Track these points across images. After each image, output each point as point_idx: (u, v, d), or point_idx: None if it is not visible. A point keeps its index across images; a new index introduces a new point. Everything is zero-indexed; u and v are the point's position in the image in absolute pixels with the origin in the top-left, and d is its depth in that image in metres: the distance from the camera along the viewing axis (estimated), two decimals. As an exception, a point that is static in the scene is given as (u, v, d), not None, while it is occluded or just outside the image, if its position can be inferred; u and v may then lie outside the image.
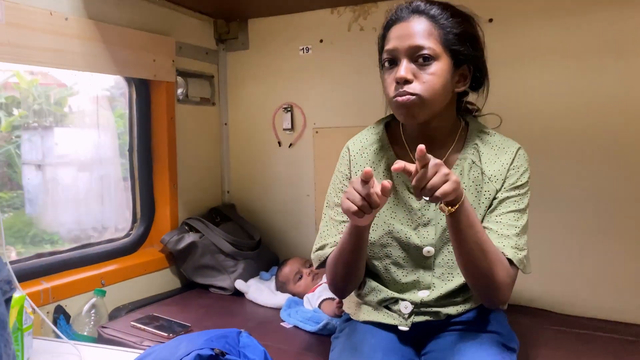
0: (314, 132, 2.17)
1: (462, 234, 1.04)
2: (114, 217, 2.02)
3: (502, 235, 1.12)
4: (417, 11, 1.11)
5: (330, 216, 1.26)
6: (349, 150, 1.26)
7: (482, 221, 1.16)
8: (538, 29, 1.72)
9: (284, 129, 2.22)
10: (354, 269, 1.18)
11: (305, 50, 2.14)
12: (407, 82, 1.07)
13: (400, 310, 1.20)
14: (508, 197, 1.15)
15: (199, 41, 2.21)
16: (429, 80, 1.07)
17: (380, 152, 1.23)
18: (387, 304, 1.23)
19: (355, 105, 2.02)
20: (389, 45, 1.12)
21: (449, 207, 1.00)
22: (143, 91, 1.97)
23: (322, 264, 1.24)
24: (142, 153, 1.99)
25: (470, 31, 1.14)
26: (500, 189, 1.16)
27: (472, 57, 1.14)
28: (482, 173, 1.17)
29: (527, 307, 1.76)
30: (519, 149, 1.19)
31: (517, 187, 1.16)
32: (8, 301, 0.78)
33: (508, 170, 1.16)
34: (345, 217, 1.23)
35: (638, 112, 1.60)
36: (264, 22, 2.22)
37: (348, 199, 0.99)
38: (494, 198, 1.16)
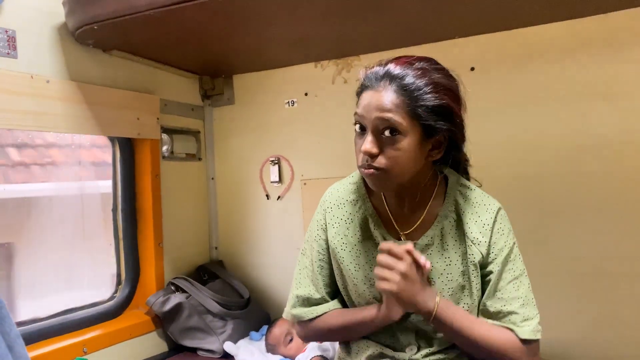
0: (302, 184, 2.14)
1: (454, 338, 1.08)
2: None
3: (508, 312, 1.09)
4: (390, 77, 1.02)
5: (305, 265, 1.25)
6: (326, 200, 1.24)
7: (481, 291, 1.14)
8: (521, 75, 1.73)
9: (272, 182, 2.20)
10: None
11: (290, 104, 2.15)
12: (372, 155, 1.03)
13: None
14: (503, 270, 1.11)
15: (185, 98, 2.21)
16: (395, 156, 1.02)
17: (358, 204, 1.20)
18: None
19: (342, 156, 2.00)
20: (358, 112, 1.06)
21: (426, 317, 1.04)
22: (127, 149, 1.95)
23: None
24: (126, 212, 1.94)
25: (446, 104, 1.03)
26: (487, 255, 1.12)
27: (446, 129, 1.05)
28: (465, 234, 1.13)
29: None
30: (499, 209, 1.15)
31: (507, 255, 1.12)
32: None
33: (492, 234, 1.12)
34: (318, 269, 1.21)
35: (627, 153, 1.59)
36: (249, 77, 2.24)
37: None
38: (483, 266, 1.13)
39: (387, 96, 1.01)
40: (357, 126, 1.07)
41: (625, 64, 1.59)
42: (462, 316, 1.07)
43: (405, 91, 1.01)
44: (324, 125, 2.08)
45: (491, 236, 1.12)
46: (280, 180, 2.19)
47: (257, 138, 2.23)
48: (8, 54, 1.46)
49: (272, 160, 2.19)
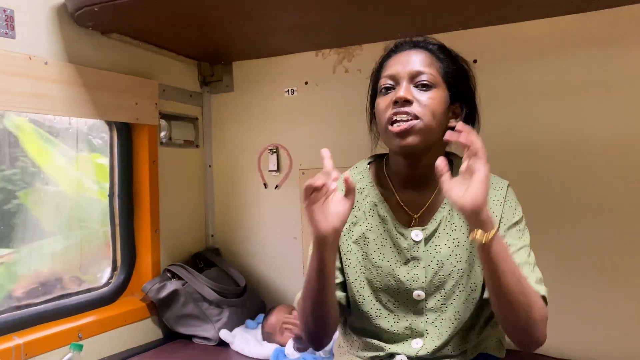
0: (300, 173, 2.13)
1: (499, 265, 0.95)
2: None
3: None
4: (417, 45, 1.16)
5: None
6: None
7: None
8: (524, 69, 1.72)
9: (270, 171, 2.19)
10: (323, 311, 1.09)
11: (290, 92, 2.13)
12: (406, 102, 1.06)
13: (395, 366, 1.14)
14: (514, 237, 1.11)
15: (183, 84, 2.19)
16: (429, 103, 1.08)
17: (364, 192, 1.21)
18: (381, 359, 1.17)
19: (341, 146, 1.97)
20: (388, 71, 1.13)
21: (486, 234, 0.93)
22: (124, 134, 1.92)
23: None
24: (123, 198, 1.92)
25: (466, 70, 1.19)
26: (499, 228, 1.12)
27: (466, 95, 1.17)
28: None
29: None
30: (508, 185, 1.18)
31: (516, 224, 1.13)
32: None
33: (503, 207, 1.14)
34: None
35: (629, 149, 1.59)
36: (248, 64, 2.22)
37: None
38: None
39: (421, 55, 1.13)
40: (384, 89, 1.13)
41: (630, 59, 1.59)
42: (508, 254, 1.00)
43: (434, 54, 1.14)
44: (323, 115, 2.07)
45: (502, 210, 1.13)
46: (279, 169, 2.18)
47: (255, 126, 2.22)
48: (6, 34, 1.43)
49: (270, 149, 2.18)
